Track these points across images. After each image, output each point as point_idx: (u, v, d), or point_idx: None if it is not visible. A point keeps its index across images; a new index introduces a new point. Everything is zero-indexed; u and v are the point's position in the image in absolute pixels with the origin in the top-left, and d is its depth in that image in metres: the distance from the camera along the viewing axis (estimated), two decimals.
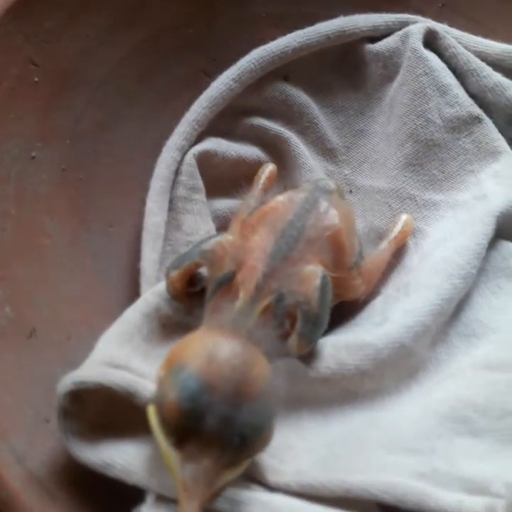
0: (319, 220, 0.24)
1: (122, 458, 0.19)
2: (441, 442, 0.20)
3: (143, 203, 0.27)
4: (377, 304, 0.26)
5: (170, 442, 0.18)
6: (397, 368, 0.23)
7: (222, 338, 0.19)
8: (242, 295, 0.21)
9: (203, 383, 0.18)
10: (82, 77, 0.27)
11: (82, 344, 0.22)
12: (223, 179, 0.29)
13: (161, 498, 0.19)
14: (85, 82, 0.27)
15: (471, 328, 0.24)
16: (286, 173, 0.29)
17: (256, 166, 0.29)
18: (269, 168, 0.29)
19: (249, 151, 0.29)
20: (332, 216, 0.24)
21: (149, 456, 0.20)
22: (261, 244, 0.23)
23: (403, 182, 0.29)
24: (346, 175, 0.30)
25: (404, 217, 0.28)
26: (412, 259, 0.27)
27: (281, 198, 0.24)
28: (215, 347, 0.18)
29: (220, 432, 0.17)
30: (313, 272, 0.22)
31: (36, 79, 0.26)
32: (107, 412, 0.21)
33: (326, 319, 0.22)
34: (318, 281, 0.22)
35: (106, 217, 0.27)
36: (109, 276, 0.26)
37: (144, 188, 0.27)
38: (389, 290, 0.26)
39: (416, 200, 0.28)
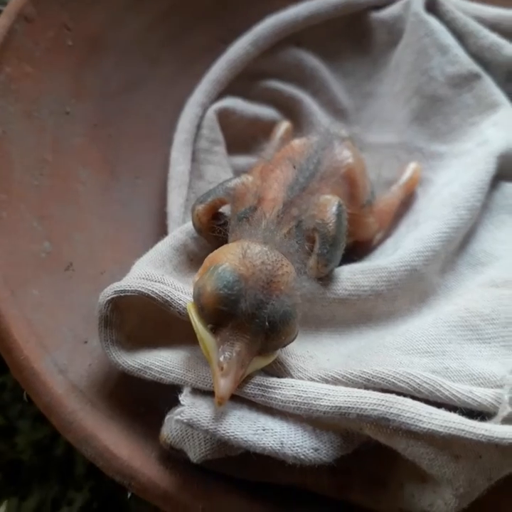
0: (334, 158, 0.26)
1: (159, 360, 0.21)
2: (451, 346, 0.22)
3: (167, 157, 0.29)
4: (388, 242, 0.28)
5: (207, 329, 0.19)
6: (409, 291, 0.25)
7: (253, 243, 0.21)
8: (265, 222, 0.23)
9: (237, 274, 0.19)
10: (111, 42, 0.29)
11: (115, 279, 0.24)
12: (241, 137, 0.31)
13: (197, 391, 0.20)
14: (114, 46, 0.29)
15: (476, 257, 0.26)
16: (300, 132, 0.31)
17: (272, 124, 0.31)
18: (285, 125, 0.31)
19: (265, 111, 0.31)
20: (346, 155, 0.26)
21: (184, 358, 0.21)
22: (280, 179, 0.24)
23: (410, 135, 0.31)
24: (356, 133, 0.32)
25: (412, 165, 0.30)
26: (420, 203, 0.29)
27: (297, 141, 0.26)
28: (247, 248, 0.20)
29: (252, 317, 0.19)
30: (330, 200, 0.24)
31: (70, 43, 0.28)
32: (144, 325, 0.22)
33: (342, 242, 0.24)
34: (334, 207, 0.24)
35: (133, 169, 0.29)
36: (138, 222, 0.28)
37: (168, 144, 0.30)
38: (399, 231, 0.28)
39: (423, 152, 0.30)
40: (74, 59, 0.28)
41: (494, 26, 0.31)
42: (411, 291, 0.25)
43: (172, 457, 0.21)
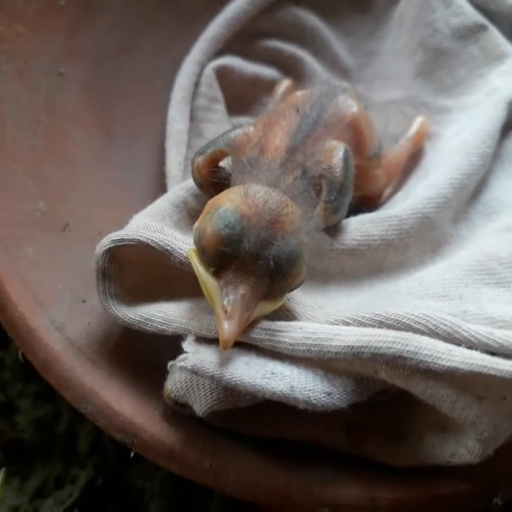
0: (338, 106, 0.25)
1: (160, 311, 0.20)
2: (468, 290, 0.21)
3: (165, 119, 0.28)
4: (398, 195, 0.27)
5: (210, 273, 0.18)
6: (421, 240, 0.24)
7: (256, 184, 0.20)
8: (269, 167, 0.22)
9: (239, 214, 0.18)
10: (106, 2, 0.28)
11: None
12: (242, 97, 0.30)
13: (201, 339, 0.19)
14: (108, 6, 0.29)
15: (489, 206, 0.25)
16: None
17: (273, 84, 0.30)
18: (286, 82, 0.30)
19: (265, 70, 0.30)
20: (350, 104, 0.25)
21: (187, 308, 0.20)
22: (283, 127, 0.23)
23: (416, 90, 0.30)
24: (360, 92, 0.31)
25: (419, 119, 0.29)
26: (429, 158, 0.28)
27: (300, 92, 0.25)
28: (249, 187, 0.19)
29: (256, 257, 0.18)
30: (336, 145, 0.23)
31: (62, 3, 0.28)
32: (144, 280, 0.21)
33: (349, 189, 0.23)
34: (341, 152, 0.23)
35: (130, 131, 0.28)
36: (137, 184, 0.27)
37: (165, 106, 0.29)
38: (409, 185, 0.27)
39: (429, 107, 0.30)
40: (66, 20, 0.28)
41: None
42: (423, 240, 0.24)
43: (177, 414, 0.20)
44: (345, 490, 0.19)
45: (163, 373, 0.20)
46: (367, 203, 0.26)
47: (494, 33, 0.29)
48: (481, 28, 0.29)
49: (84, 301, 0.23)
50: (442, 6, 0.29)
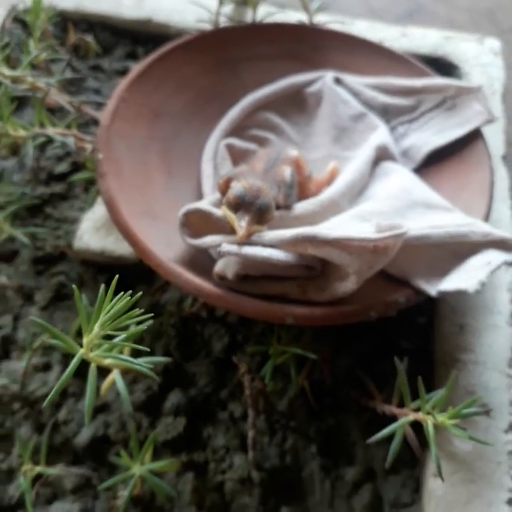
0: (287, 155, 0.50)
1: (211, 239, 0.43)
2: (349, 224, 0.45)
3: (200, 168, 0.54)
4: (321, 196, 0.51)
5: (232, 212, 0.42)
6: (332, 212, 0.48)
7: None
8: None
9: (244, 189, 0.42)
10: (166, 110, 0.54)
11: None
12: (239, 157, 0.55)
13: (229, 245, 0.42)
14: (167, 112, 0.54)
15: (366, 197, 0.49)
16: None
17: (254, 151, 0.55)
18: (261, 150, 0.55)
19: (250, 145, 0.56)
20: (294, 152, 0.50)
21: (222, 237, 0.43)
22: (261, 162, 0.48)
23: (331, 150, 0.55)
24: (304, 153, 0.56)
25: (333, 163, 0.54)
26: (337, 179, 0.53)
27: (266, 149, 0.51)
28: (250, 180, 0.43)
29: (251, 205, 0.42)
30: (287, 168, 0.48)
31: (144, 111, 0.53)
32: (199, 228, 0.45)
33: (294, 188, 0.47)
34: (289, 170, 0.47)
35: (182, 173, 0.53)
36: (185, 198, 0.51)
37: (199, 162, 0.54)
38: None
39: (339, 157, 0.55)
40: (147, 120, 0.53)
41: (373, 86, 0.56)
42: (333, 212, 0.48)
43: (220, 284, 0.43)
44: (298, 308, 0.42)
45: (210, 267, 0.44)
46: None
47: (371, 117, 0.55)
48: (363, 114, 0.55)
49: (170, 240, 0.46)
50: (342, 105, 0.56)
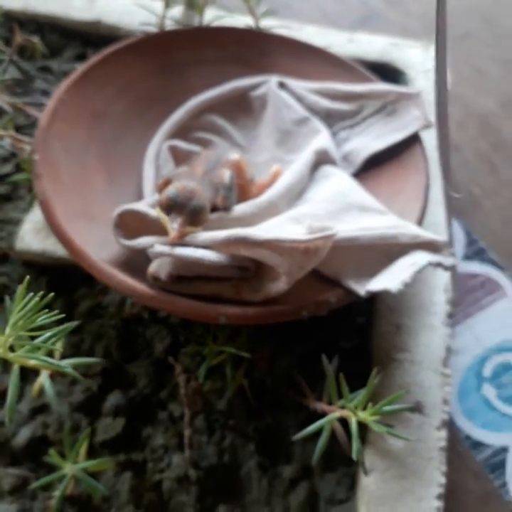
0: (228, 158, 0.50)
1: (145, 241, 0.44)
2: (284, 227, 0.45)
3: (141, 169, 0.54)
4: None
5: (165, 213, 0.43)
6: (269, 213, 0.48)
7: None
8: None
9: (177, 190, 0.43)
10: (106, 113, 0.55)
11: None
12: (182, 158, 0.55)
13: (162, 246, 0.43)
14: (108, 115, 0.55)
15: (305, 199, 0.50)
16: None
17: (198, 154, 0.56)
18: (204, 151, 0.55)
19: (194, 147, 0.56)
20: (236, 156, 0.51)
21: (155, 238, 0.44)
22: (202, 164, 0.49)
23: (275, 153, 0.56)
24: (247, 157, 0.57)
25: (275, 166, 0.54)
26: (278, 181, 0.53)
27: (208, 151, 0.51)
28: (184, 181, 0.44)
29: (184, 206, 0.42)
30: (226, 171, 0.48)
31: (84, 114, 0.54)
32: (136, 229, 0.45)
33: (234, 192, 0.48)
34: (228, 174, 0.48)
35: (123, 176, 0.53)
36: (126, 200, 0.52)
37: (141, 164, 0.54)
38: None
39: (282, 161, 0.56)
40: (86, 124, 0.53)
41: (317, 91, 0.57)
42: (270, 214, 0.48)
43: (154, 285, 0.43)
44: (230, 308, 0.42)
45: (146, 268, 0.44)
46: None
47: (314, 121, 0.56)
48: (307, 119, 0.56)
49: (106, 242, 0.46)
50: (286, 109, 0.56)
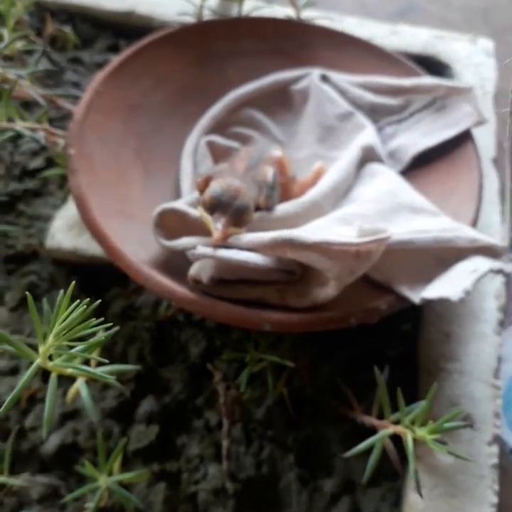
0: (271, 154, 0.48)
1: (187, 241, 0.41)
2: (334, 228, 0.43)
3: (179, 165, 0.51)
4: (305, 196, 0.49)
5: (208, 213, 0.40)
6: (313, 215, 0.46)
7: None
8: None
9: (221, 189, 0.40)
10: (144, 105, 0.52)
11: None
12: (220, 155, 0.53)
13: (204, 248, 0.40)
14: (145, 108, 0.52)
15: (351, 199, 0.48)
16: None
17: (237, 150, 0.53)
18: (244, 147, 0.53)
19: (233, 143, 0.54)
20: (278, 152, 0.48)
21: (197, 238, 0.42)
22: (243, 160, 0.46)
23: (316, 149, 0.53)
24: (288, 153, 0.54)
25: (318, 163, 0.52)
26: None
27: (248, 147, 0.49)
28: (228, 179, 0.41)
29: (228, 206, 0.40)
30: (270, 168, 0.46)
31: (122, 105, 0.51)
32: (175, 230, 0.43)
33: (277, 191, 0.45)
34: (271, 171, 0.45)
35: (160, 170, 0.51)
36: (163, 197, 0.49)
37: (179, 159, 0.52)
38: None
39: (325, 157, 0.53)
40: (123, 116, 0.51)
41: (361, 85, 0.55)
42: (313, 215, 0.46)
43: (194, 288, 0.41)
44: (275, 314, 0.40)
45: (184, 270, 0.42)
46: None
47: (358, 116, 0.53)
48: (351, 114, 0.53)
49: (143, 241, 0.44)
50: (329, 103, 0.54)
